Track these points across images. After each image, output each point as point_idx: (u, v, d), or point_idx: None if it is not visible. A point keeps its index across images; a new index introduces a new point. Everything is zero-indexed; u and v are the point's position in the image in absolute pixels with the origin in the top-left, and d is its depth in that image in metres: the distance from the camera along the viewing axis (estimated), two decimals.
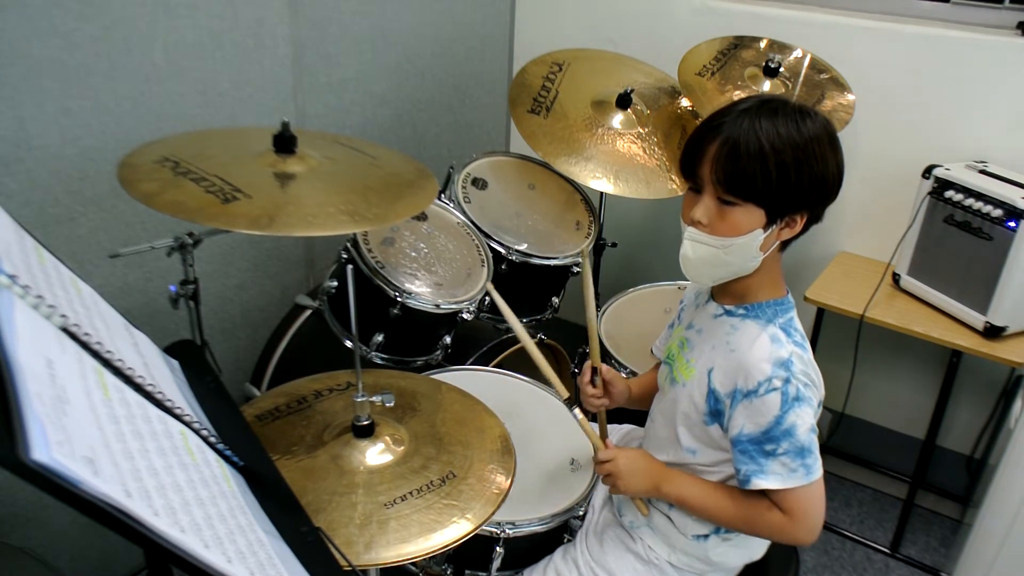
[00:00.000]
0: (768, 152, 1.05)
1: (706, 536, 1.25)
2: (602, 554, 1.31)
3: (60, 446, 0.51)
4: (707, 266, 1.14)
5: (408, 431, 1.19)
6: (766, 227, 1.10)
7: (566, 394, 1.31)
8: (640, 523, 1.31)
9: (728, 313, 1.20)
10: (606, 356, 1.82)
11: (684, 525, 1.25)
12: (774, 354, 1.10)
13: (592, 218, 2.06)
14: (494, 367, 1.70)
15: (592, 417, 1.39)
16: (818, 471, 1.11)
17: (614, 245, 2.14)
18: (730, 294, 1.20)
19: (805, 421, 1.09)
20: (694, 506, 1.21)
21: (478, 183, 1.96)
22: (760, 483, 1.10)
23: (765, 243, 1.11)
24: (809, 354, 1.15)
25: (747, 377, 1.11)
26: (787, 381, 1.09)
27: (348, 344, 1.64)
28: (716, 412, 1.17)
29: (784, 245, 1.16)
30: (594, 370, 1.37)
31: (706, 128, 1.11)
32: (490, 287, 1.39)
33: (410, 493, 1.07)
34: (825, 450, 2.41)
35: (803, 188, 1.07)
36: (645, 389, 1.45)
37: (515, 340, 1.81)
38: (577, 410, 1.30)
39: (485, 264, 1.76)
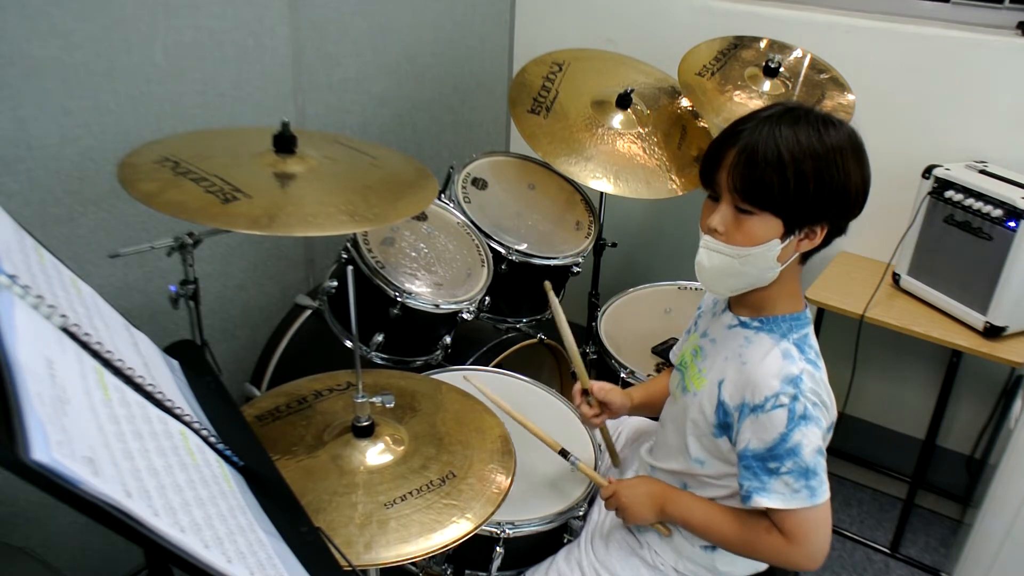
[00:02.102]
0: (787, 161, 1.02)
1: (714, 547, 1.24)
2: (607, 557, 1.30)
3: (60, 446, 0.51)
4: (722, 276, 1.12)
5: (408, 431, 1.19)
6: (783, 237, 1.07)
7: (558, 447, 1.32)
8: (647, 528, 1.30)
9: (743, 324, 1.18)
10: (606, 356, 1.82)
11: (692, 535, 1.25)
12: (784, 370, 1.08)
13: (592, 218, 2.06)
14: (494, 367, 1.70)
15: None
16: (823, 495, 1.08)
17: (614, 245, 2.14)
18: (747, 305, 1.18)
19: (811, 441, 1.07)
20: (697, 527, 1.21)
21: (478, 183, 1.96)
22: (761, 501, 1.09)
23: (783, 254, 1.09)
24: (822, 373, 1.12)
25: (755, 391, 1.09)
26: (795, 398, 1.06)
27: (348, 344, 1.64)
28: (725, 425, 1.16)
29: (804, 257, 1.14)
30: (585, 391, 1.38)
31: (726, 135, 1.08)
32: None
33: (410, 493, 1.07)
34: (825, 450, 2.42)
35: (822, 199, 1.05)
36: (649, 397, 1.44)
37: (515, 340, 1.81)
38: (574, 458, 1.31)
39: (485, 264, 1.76)
